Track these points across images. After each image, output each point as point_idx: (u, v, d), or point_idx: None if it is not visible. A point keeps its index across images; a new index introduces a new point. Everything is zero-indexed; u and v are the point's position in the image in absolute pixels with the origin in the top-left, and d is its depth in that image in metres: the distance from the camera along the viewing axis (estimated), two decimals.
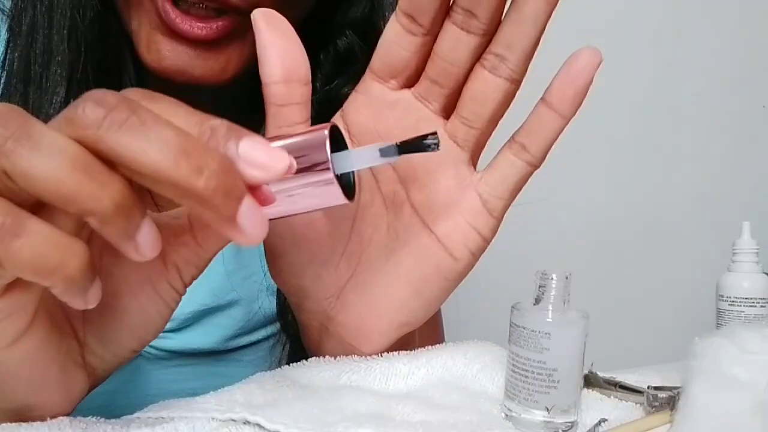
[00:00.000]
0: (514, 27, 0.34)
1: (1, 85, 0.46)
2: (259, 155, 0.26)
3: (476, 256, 0.38)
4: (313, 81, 0.38)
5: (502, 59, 0.35)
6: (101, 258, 0.30)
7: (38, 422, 0.30)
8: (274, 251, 0.38)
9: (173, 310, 0.33)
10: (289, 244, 0.38)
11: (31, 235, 0.24)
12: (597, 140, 1.15)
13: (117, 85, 0.48)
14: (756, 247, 0.73)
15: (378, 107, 0.37)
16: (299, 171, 0.28)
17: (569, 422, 0.34)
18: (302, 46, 0.34)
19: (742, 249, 0.73)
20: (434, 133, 0.30)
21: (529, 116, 0.36)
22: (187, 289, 0.55)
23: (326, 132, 0.29)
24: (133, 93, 0.26)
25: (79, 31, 0.45)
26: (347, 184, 0.30)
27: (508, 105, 0.37)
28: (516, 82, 0.35)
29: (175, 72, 0.44)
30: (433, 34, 0.35)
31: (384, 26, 0.51)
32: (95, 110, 0.24)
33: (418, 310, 0.39)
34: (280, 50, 0.34)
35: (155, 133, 0.24)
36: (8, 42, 0.46)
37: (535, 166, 0.37)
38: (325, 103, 0.48)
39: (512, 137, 0.37)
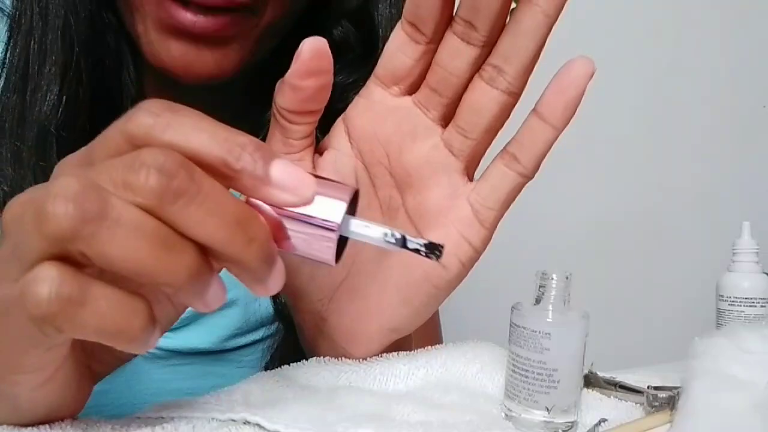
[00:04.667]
0: (512, 39, 0.34)
1: (2, 83, 0.46)
2: (290, 179, 0.26)
3: (467, 266, 0.38)
4: None
5: (500, 71, 0.34)
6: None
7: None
8: None
9: (180, 314, 0.33)
10: None
11: (96, 302, 0.24)
12: (597, 140, 1.15)
13: (116, 81, 0.48)
14: (756, 247, 0.73)
15: (378, 112, 0.37)
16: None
17: (569, 422, 0.34)
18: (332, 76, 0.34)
19: (742, 249, 0.73)
20: (442, 247, 0.29)
21: (521, 127, 0.36)
22: None
23: (349, 195, 0.28)
24: (153, 106, 0.26)
25: (72, 31, 0.45)
26: (342, 246, 0.30)
27: (506, 117, 0.36)
28: (513, 95, 0.35)
29: (181, 69, 0.44)
30: (435, 42, 0.35)
31: (378, 15, 0.51)
32: (159, 180, 0.24)
33: (407, 318, 0.39)
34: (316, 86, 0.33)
35: (214, 205, 0.24)
36: (8, 41, 0.46)
37: (528, 177, 0.36)
38: None
39: (504, 148, 0.37)
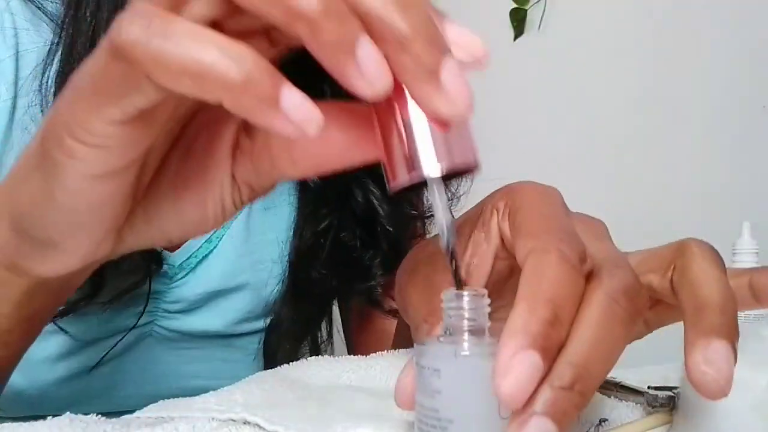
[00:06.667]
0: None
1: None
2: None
3: None
4: None
5: None
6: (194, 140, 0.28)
7: (39, 421, 0.30)
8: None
9: (225, 219, 0.30)
10: None
11: (178, 35, 0.20)
12: (597, 140, 1.15)
13: None
14: (756, 247, 0.73)
15: None
16: None
17: None
18: None
19: (742, 249, 0.73)
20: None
21: None
22: (198, 272, 0.55)
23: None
24: None
25: None
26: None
27: None
28: None
29: None
30: None
31: None
32: None
33: None
34: None
35: None
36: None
37: None
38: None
39: None
